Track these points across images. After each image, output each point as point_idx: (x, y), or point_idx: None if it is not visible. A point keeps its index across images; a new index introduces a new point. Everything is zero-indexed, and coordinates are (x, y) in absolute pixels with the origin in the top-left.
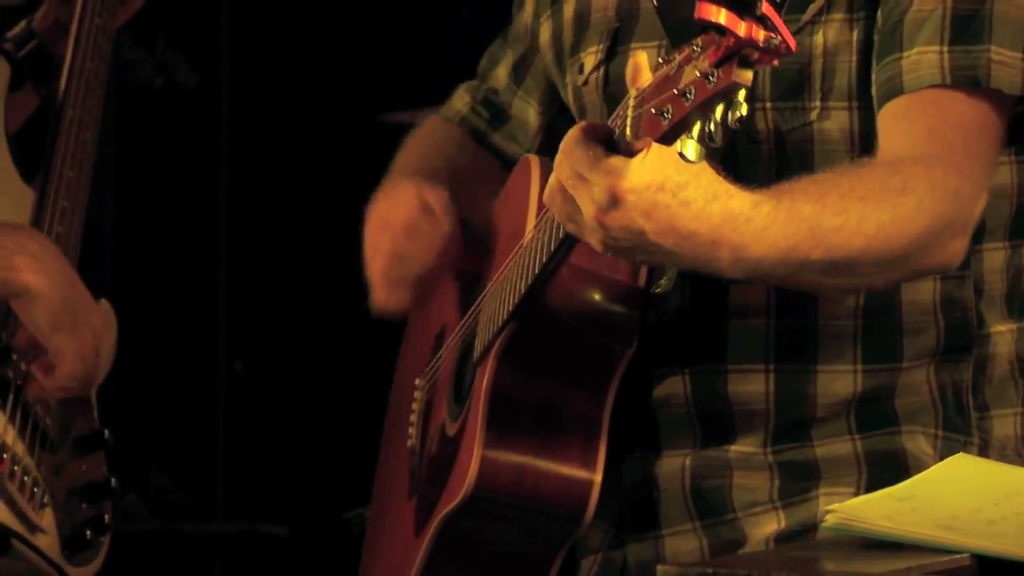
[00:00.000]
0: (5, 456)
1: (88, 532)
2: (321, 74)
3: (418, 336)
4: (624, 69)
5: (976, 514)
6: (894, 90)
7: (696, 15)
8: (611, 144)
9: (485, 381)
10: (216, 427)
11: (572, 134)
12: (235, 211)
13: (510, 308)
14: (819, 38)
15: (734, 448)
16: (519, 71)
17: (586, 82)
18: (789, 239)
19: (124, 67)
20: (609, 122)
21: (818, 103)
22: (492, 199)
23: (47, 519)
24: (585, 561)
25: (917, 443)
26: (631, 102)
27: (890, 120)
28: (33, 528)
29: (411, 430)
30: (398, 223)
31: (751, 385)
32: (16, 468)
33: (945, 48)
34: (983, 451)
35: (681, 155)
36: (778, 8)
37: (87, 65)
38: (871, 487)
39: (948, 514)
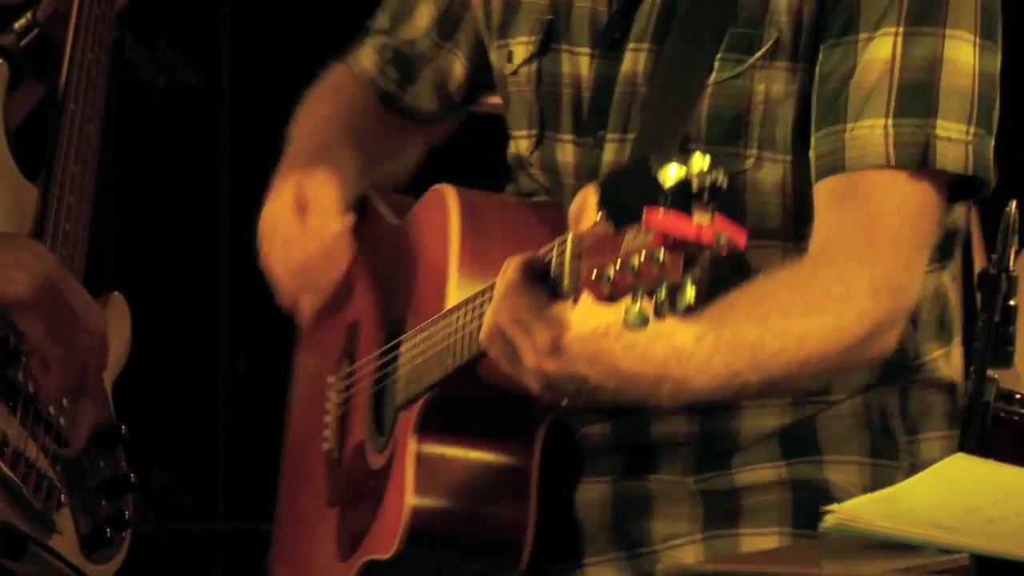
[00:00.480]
0: (20, 461)
1: (108, 529)
2: (320, 73)
3: (325, 322)
4: (559, 68)
5: (975, 514)
6: (835, 166)
7: (644, 227)
8: (547, 281)
9: (411, 439)
10: (217, 427)
11: (511, 278)
12: (236, 210)
13: (437, 376)
14: (761, 85)
15: (655, 477)
16: (445, 24)
17: (515, 72)
18: (730, 367)
19: (125, 66)
20: (542, 253)
21: (754, 151)
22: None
23: (64, 519)
24: None
25: (843, 474)
26: (569, 246)
27: (830, 198)
28: (50, 530)
29: (327, 432)
30: (290, 262)
31: (674, 427)
32: (30, 471)
33: (891, 121)
34: (911, 475)
35: (625, 321)
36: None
37: (87, 56)
38: (796, 525)
39: (947, 514)
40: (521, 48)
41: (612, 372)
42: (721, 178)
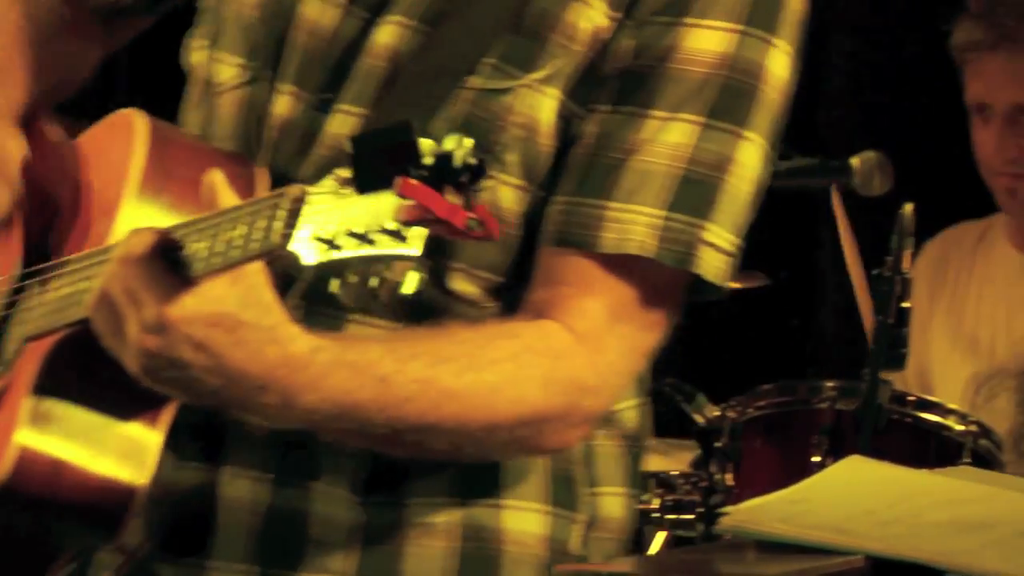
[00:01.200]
0: None
1: None
2: None
3: None
4: (301, 9)
5: (870, 516)
6: (586, 242)
7: (397, 193)
8: (174, 261)
9: (34, 375)
10: None
11: (134, 248)
12: None
13: (79, 315)
14: (526, 108)
15: (318, 486)
16: None
17: None
18: (349, 394)
19: None
20: (174, 232)
21: (497, 173)
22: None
23: None
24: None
25: (521, 522)
26: (215, 224)
27: (563, 276)
28: None
29: None
30: None
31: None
32: None
33: (663, 213)
34: (589, 530)
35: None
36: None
37: None
38: None
39: (843, 516)
40: None
41: (216, 366)
42: (483, 165)
